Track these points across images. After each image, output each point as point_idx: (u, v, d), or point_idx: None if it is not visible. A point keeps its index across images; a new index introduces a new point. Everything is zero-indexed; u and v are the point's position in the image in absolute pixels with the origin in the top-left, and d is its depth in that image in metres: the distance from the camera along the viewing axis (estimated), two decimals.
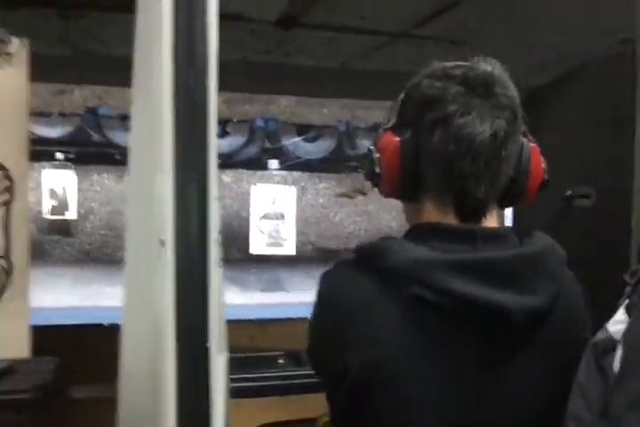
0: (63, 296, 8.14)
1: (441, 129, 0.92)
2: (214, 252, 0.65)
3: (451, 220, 0.96)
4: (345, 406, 0.95)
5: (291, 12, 2.12)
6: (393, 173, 0.97)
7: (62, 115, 6.40)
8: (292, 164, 8.86)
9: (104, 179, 10.92)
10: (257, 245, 8.27)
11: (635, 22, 1.18)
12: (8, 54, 1.79)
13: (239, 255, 10.49)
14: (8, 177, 1.81)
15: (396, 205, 1.11)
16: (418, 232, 0.98)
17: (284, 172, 10.77)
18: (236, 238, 10.92)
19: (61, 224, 10.66)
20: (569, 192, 1.36)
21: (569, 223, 1.34)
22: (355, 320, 0.92)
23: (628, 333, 0.69)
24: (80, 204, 10.27)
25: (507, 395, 0.91)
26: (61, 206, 9.46)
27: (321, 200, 11.71)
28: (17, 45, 1.80)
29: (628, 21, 1.27)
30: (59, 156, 9.00)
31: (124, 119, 6.49)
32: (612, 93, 1.26)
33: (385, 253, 0.92)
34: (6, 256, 1.83)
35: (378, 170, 0.98)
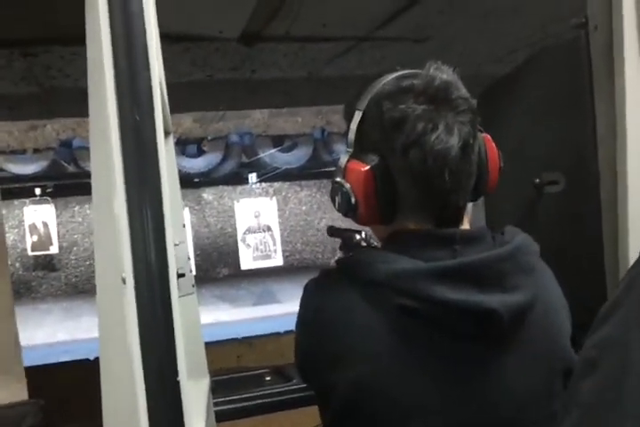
0: (55, 331, 8.01)
1: (415, 149, 0.90)
2: (182, 282, 0.63)
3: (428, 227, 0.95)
4: (337, 417, 0.94)
5: (252, 27, 2.10)
6: (370, 200, 0.94)
7: (37, 150, 6.34)
8: (271, 175, 8.85)
9: (85, 209, 10.82)
10: (246, 260, 8.23)
11: (586, 6, 1.18)
12: None
13: (227, 272, 10.41)
14: None
15: None
16: (398, 241, 0.96)
17: (264, 184, 10.75)
18: (223, 256, 10.83)
19: (45, 259, 10.55)
20: (537, 180, 1.36)
21: (540, 209, 1.35)
22: (342, 335, 0.91)
23: None
24: (62, 236, 10.15)
25: (499, 390, 0.91)
26: (44, 241, 9.36)
27: (304, 208, 11.68)
28: None
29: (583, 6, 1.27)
30: (37, 191, 8.94)
31: None
32: (571, 79, 1.26)
33: (367, 266, 0.91)
34: None
35: (354, 200, 0.96)
